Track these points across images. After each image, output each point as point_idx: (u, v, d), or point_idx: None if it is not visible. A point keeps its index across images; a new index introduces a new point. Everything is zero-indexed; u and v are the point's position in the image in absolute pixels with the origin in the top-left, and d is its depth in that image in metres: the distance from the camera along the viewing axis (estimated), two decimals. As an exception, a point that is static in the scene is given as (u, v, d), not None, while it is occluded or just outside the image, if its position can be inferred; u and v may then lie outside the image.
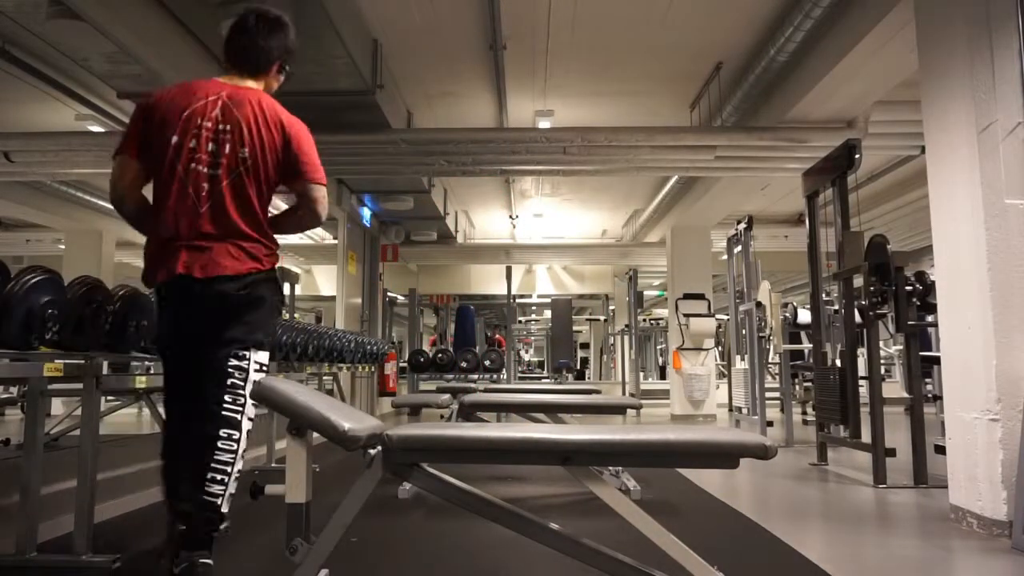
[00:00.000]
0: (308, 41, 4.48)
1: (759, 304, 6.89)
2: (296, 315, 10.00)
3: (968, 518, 3.01)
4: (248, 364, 2.14)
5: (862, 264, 4.34)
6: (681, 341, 8.91)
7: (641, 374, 13.67)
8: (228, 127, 2.16)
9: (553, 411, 4.10)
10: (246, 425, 2.12)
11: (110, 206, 2.29)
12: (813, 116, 5.62)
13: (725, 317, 10.01)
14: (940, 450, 3.57)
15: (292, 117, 2.27)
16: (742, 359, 7.29)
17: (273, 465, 4.51)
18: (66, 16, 3.75)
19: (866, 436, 4.22)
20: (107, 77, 4.75)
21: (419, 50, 5.69)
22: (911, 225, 9.39)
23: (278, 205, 2.36)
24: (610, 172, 6.69)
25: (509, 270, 12.84)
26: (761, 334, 6.93)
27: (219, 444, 2.06)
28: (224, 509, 2.05)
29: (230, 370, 2.10)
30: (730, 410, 8.34)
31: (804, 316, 7.32)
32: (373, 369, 8.12)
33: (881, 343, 6.56)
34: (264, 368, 2.20)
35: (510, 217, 11.19)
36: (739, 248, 7.35)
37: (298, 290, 10.51)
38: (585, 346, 22.08)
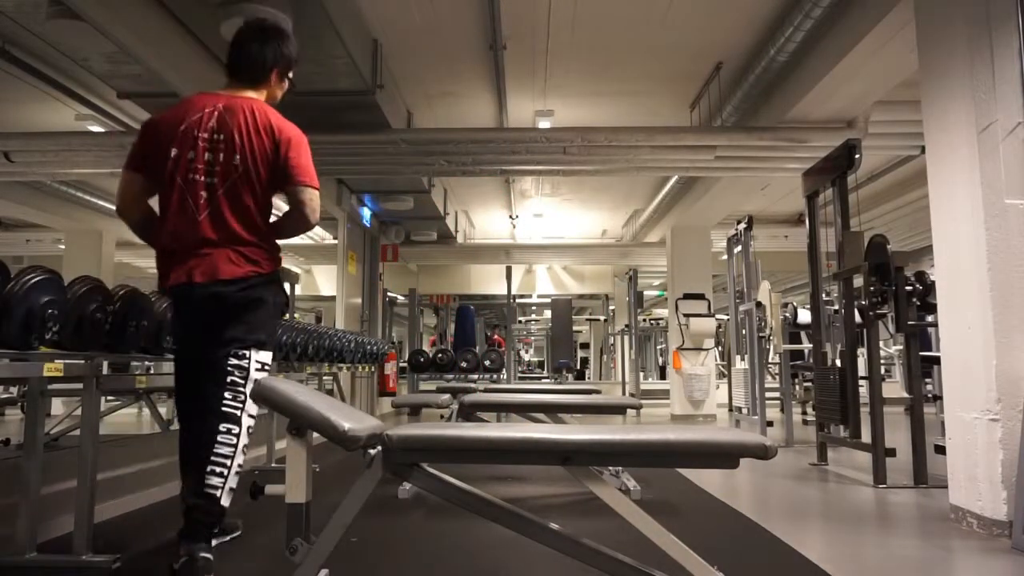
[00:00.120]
0: (308, 41, 4.49)
1: (759, 304, 6.88)
2: (296, 315, 10.00)
3: (968, 518, 3.01)
4: (248, 363, 2.21)
5: (862, 264, 4.34)
6: (681, 341, 8.91)
7: (641, 374, 13.66)
8: (222, 136, 2.23)
9: (553, 411, 4.10)
10: (247, 421, 2.18)
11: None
12: (813, 116, 5.62)
13: (725, 317, 10.01)
14: (940, 450, 3.57)
15: (284, 122, 2.32)
16: (742, 359, 7.28)
17: (273, 465, 4.50)
18: (66, 16, 3.75)
19: (866, 436, 4.22)
20: (107, 77, 4.76)
21: (419, 50, 5.69)
22: (911, 225, 9.39)
23: (280, 208, 2.38)
24: (610, 172, 6.68)
25: (509, 270, 12.84)
26: (761, 334, 6.92)
27: (219, 438, 2.14)
28: (224, 502, 2.10)
29: (230, 369, 2.19)
30: (730, 410, 8.34)
31: (804, 316, 7.31)
32: (373, 369, 8.12)
33: (881, 343, 6.56)
34: (266, 367, 2.25)
35: (510, 217, 11.19)
36: (739, 248, 7.35)
37: (298, 290, 10.52)
38: (585, 346, 22.08)
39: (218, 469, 2.09)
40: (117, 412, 6.18)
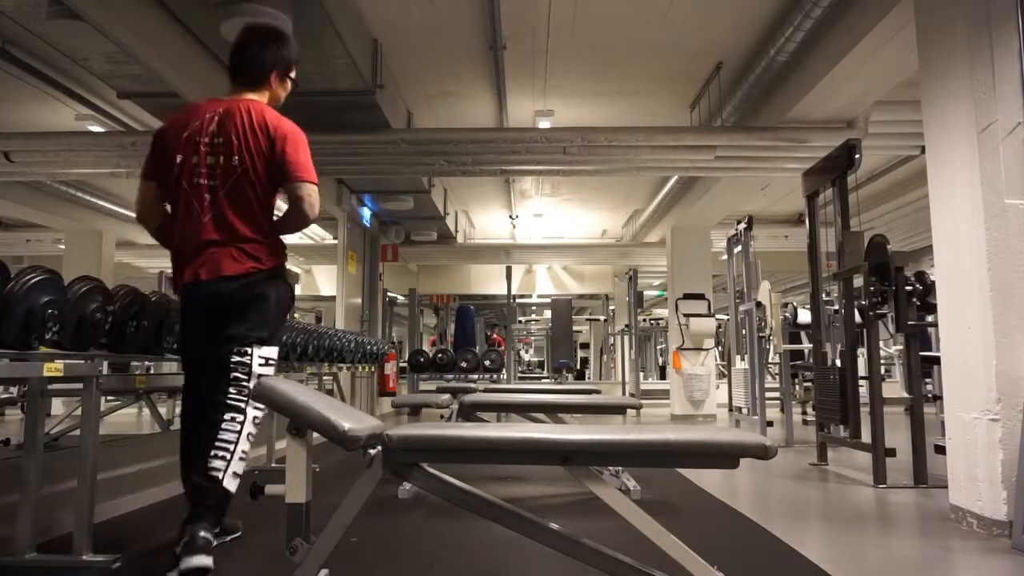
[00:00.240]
0: (308, 41, 4.49)
1: (759, 304, 6.88)
2: (296, 315, 10.00)
3: (968, 518, 3.01)
4: (251, 359, 2.26)
5: (862, 264, 4.34)
6: (681, 341, 8.91)
7: (641, 374, 13.66)
8: (221, 139, 2.30)
9: (553, 411, 4.10)
10: (252, 412, 2.24)
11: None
12: (813, 116, 5.62)
13: (725, 317, 10.01)
14: (940, 450, 3.57)
15: (280, 119, 2.37)
16: (742, 359, 7.28)
17: (273, 465, 4.50)
18: (66, 16, 3.76)
19: (866, 436, 4.22)
20: (107, 77, 4.76)
21: (419, 50, 5.69)
22: (911, 225, 9.39)
23: (282, 207, 2.41)
24: (610, 172, 6.68)
25: (509, 270, 12.84)
26: (761, 334, 6.92)
27: (223, 426, 2.18)
28: (227, 485, 2.13)
29: (233, 366, 2.26)
30: (730, 410, 8.34)
31: (804, 316, 7.31)
32: (373, 369, 8.12)
33: (881, 343, 6.56)
34: (271, 362, 2.30)
35: (510, 217, 11.18)
36: (739, 248, 7.35)
37: (298, 290, 10.53)
38: (585, 346, 22.08)
39: (220, 453, 2.14)
40: (117, 412, 6.18)
